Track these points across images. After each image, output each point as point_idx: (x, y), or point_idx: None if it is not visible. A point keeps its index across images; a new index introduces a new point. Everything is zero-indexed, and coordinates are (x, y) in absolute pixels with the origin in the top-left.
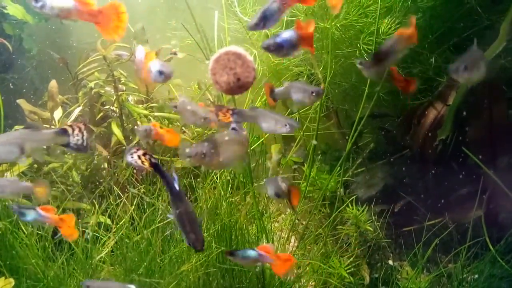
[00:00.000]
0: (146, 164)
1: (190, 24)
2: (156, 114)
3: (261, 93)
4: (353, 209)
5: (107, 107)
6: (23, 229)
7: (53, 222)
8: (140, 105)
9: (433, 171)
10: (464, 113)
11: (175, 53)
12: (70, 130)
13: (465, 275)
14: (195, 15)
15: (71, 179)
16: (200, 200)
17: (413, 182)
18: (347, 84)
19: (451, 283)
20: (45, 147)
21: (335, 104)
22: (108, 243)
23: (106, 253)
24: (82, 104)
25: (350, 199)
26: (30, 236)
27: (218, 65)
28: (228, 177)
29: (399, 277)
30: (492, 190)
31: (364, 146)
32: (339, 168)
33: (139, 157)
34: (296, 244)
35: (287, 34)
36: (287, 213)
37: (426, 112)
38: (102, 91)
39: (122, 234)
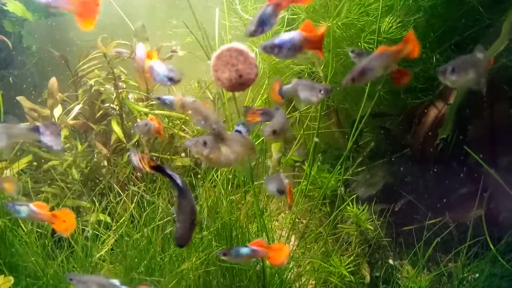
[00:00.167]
0: (147, 167)
1: (190, 22)
2: (156, 112)
3: (262, 91)
4: (353, 208)
5: (107, 104)
6: (23, 226)
7: (45, 218)
8: (140, 103)
9: (433, 170)
10: (465, 112)
11: (175, 51)
12: (42, 128)
13: (465, 274)
14: (196, 13)
15: (70, 177)
16: (200, 198)
17: (413, 181)
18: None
19: (451, 282)
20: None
21: (336, 103)
22: (108, 241)
23: (106, 251)
24: (82, 102)
25: (351, 198)
26: (30, 234)
27: (220, 61)
28: (229, 176)
29: (400, 276)
30: (492, 189)
31: (365, 145)
32: (339, 167)
33: (140, 161)
34: (296, 243)
35: (287, 36)
36: (287, 211)
37: (427, 111)
38: (102, 89)
39: (122, 232)
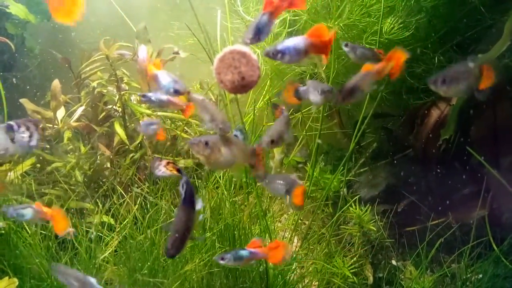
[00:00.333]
0: (174, 171)
1: (192, 24)
2: (159, 113)
3: (264, 92)
4: (356, 209)
5: (109, 106)
6: (27, 228)
7: (47, 217)
8: (143, 105)
9: (436, 171)
10: (468, 113)
11: (177, 53)
12: (15, 127)
13: (468, 275)
14: (198, 15)
15: (74, 179)
16: (203, 200)
17: (416, 182)
18: None
19: (454, 283)
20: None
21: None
22: (112, 243)
23: (109, 253)
24: (84, 104)
25: (353, 199)
26: (34, 236)
27: (222, 64)
28: (233, 177)
29: (403, 277)
30: (495, 189)
31: (367, 146)
32: (342, 168)
33: (165, 167)
34: (299, 244)
35: (291, 41)
36: (289, 213)
37: (429, 112)
38: (105, 91)
39: (125, 233)
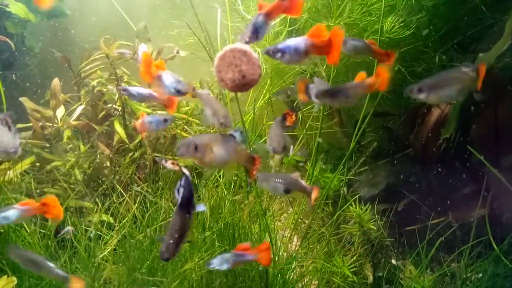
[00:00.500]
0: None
1: (193, 23)
2: (159, 112)
3: (264, 91)
4: (356, 208)
5: (109, 105)
6: (26, 227)
7: (36, 211)
8: (143, 103)
9: (436, 170)
10: (468, 111)
11: (177, 52)
12: None
13: (468, 274)
14: (198, 14)
15: (73, 178)
16: (203, 198)
17: (416, 181)
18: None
19: (454, 283)
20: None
21: None
22: (111, 242)
23: (108, 252)
24: (84, 103)
25: (353, 198)
26: (33, 235)
27: (223, 62)
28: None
29: (403, 276)
30: (496, 189)
31: (367, 145)
32: (342, 167)
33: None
34: (299, 243)
35: (292, 41)
36: (289, 212)
37: (429, 111)
38: (105, 90)
39: (124, 232)
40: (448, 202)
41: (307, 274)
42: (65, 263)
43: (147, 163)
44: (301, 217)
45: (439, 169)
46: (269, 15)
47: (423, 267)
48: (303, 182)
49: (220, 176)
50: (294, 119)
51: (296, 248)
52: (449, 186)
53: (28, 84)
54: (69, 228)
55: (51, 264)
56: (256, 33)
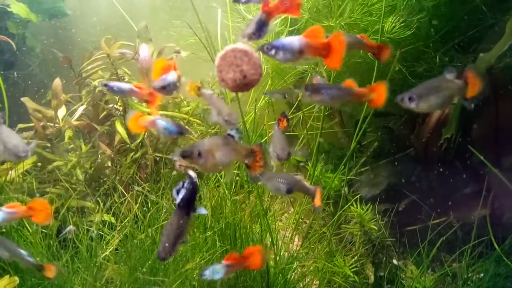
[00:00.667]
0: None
1: (193, 23)
2: (160, 112)
3: (265, 91)
4: (357, 208)
5: (110, 105)
6: (28, 227)
7: (22, 214)
8: (144, 103)
9: (437, 170)
10: (469, 112)
11: (178, 52)
12: None
13: (470, 274)
14: (199, 14)
15: (75, 178)
16: (204, 198)
17: (417, 181)
18: None
19: (456, 283)
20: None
21: None
22: (113, 242)
23: (110, 251)
24: (85, 103)
25: (354, 198)
26: (35, 234)
27: (224, 62)
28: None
29: (404, 276)
30: (497, 189)
31: (368, 145)
32: (343, 167)
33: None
34: (300, 243)
35: (287, 39)
36: (290, 212)
37: None
38: (106, 90)
39: (126, 232)
40: (449, 202)
41: (308, 274)
42: (67, 263)
43: (148, 163)
44: (302, 217)
45: (440, 169)
46: (270, 14)
47: (424, 267)
48: (306, 183)
49: (221, 176)
50: (286, 124)
51: (297, 248)
52: (450, 186)
53: (29, 84)
54: (71, 228)
55: (24, 252)
56: (259, 30)
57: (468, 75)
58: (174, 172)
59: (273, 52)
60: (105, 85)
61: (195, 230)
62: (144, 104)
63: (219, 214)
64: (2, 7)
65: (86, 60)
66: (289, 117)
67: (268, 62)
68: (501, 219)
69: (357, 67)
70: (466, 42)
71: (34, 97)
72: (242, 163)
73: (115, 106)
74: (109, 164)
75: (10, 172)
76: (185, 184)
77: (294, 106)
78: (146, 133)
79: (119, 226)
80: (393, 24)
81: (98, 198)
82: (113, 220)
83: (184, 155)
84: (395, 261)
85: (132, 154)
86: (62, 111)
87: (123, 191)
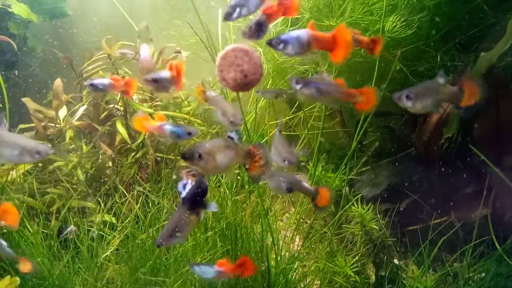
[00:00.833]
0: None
1: (194, 23)
2: (161, 112)
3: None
4: (358, 207)
5: (111, 105)
6: (29, 227)
7: None
8: (145, 104)
9: (438, 170)
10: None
11: (179, 52)
12: None
13: (471, 274)
14: (199, 14)
15: (76, 178)
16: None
17: (418, 180)
18: (352, 82)
19: (457, 282)
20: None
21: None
22: (114, 242)
23: (111, 252)
24: (86, 103)
25: (355, 197)
26: (36, 235)
27: (225, 62)
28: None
29: (405, 276)
30: (498, 188)
31: (369, 145)
32: (344, 166)
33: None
34: (301, 243)
35: (294, 33)
36: (291, 212)
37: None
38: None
39: (127, 232)
40: (450, 201)
41: (309, 274)
42: (68, 263)
43: (149, 163)
44: (303, 217)
45: (441, 169)
46: (270, 16)
47: (426, 266)
48: (306, 183)
49: (222, 176)
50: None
51: (298, 248)
52: (451, 185)
53: (30, 85)
54: (72, 228)
55: (3, 242)
56: (259, 31)
57: (465, 83)
58: (174, 177)
59: (281, 46)
60: (90, 85)
61: (196, 230)
62: (145, 104)
63: (220, 214)
64: (3, 8)
65: (87, 60)
66: (290, 116)
67: (269, 62)
68: (502, 219)
69: (358, 67)
70: (467, 41)
71: (35, 97)
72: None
73: (115, 106)
74: (110, 164)
75: (11, 173)
76: (185, 181)
77: (295, 106)
78: (147, 133)
79: (120, 226)
80: (394, 24)
81: (99, 199)
82: (114, 220)
83: (185, 157)
84: (396, 261)
85: (133, 154)
86: (63, 112)
87: (124, 191)
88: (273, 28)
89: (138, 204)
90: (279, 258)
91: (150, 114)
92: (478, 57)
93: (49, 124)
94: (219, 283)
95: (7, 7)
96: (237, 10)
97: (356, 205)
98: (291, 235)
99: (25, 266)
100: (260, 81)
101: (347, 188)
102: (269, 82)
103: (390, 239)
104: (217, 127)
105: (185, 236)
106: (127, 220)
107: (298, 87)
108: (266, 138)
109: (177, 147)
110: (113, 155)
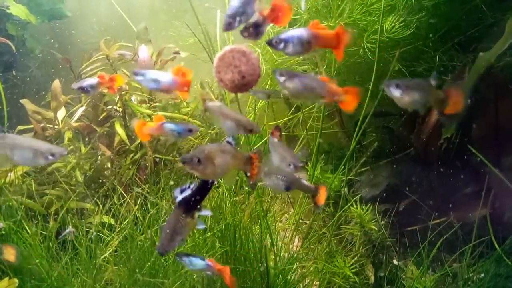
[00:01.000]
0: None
1: (193, 24)
2: (159, 113)
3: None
4: (357, 208)
5: (110, 106)
6: (27, 229)
7: None
8: (143, 105)
9: (437, 170)
10: (469, 111)
11: (178, 52)
12: None
13: (470, 275)
14: (198, 15)
15: (74, 179)
16: (204, 199)
17: (417, 181)
18: (351, 82)
19: (456, 283)
20: None
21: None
22: (112, 243)
23: (110, 253)
24: (85, 104)
25: (354, 198)
26: (34, 236)
27: (222, 63)
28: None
29: (404, 276)
30: (497, 189)
31: (368, 145)
32: (342, 167)
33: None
34: (300, 244)
35: (295, 31)
36: (290, 212)
37: (430, 111)
38: (105, 91)
39: (126, 233)
40: (449, 202)
41: (309, 274)
42: (66, 265)
43: (147, 164)
44: (302, 218)
45: (440, 169)
46: (265, 19)
47: (425, 267)
48: (305, 181)
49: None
50: (279, 136)
51: (297, 249)
52: (450, 186)
53: (29, 86)
54: (70, 229)
55: None
56: (256, 31)
57: (450, 91)
58: (171, 183)
59: (282, 45)
60: (80, 88)
61: (194, 231)
62: (143, 105)
63: (219, 215)
64: (2, 9)
65: (86, 62)
66: (289, 117)
67: (268, 63)
68: (501, 219)
69: (357, 67)
70: (465, 42)
71: (34, 98)
72: (240, 171)
73: (114, 107)
74: (109, 165)
75: (9, 174)
76: (191, 186)
77: (294, 106)
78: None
79: (118, 227)
80: (393, 24)
81: (97, 200)
82: (112, 221)
83: (184, 162)
84: (395, 262)
85: (131, 155)
86: (61, 113)
87: (122, 192)
88: (271, 28)
89: (137, 205)
90: (278, 259)
91: (149, 116)
92: (476, 57)
93: (47, 125)
94: (218, 284)
95: (6, 8)
96: (237, 19)
97: (355, 206)
98: (290, 235)
99: (10, 255)
100: (258, 82)
101: (346, 189)
102: (268, 83)
103: (389, 240)
104: (216, 128)
105: (184, 239)
106: (125, 222)
107: (282, 79)
108: (265, 138)
109: (176, 148)
110: (111, 156)
